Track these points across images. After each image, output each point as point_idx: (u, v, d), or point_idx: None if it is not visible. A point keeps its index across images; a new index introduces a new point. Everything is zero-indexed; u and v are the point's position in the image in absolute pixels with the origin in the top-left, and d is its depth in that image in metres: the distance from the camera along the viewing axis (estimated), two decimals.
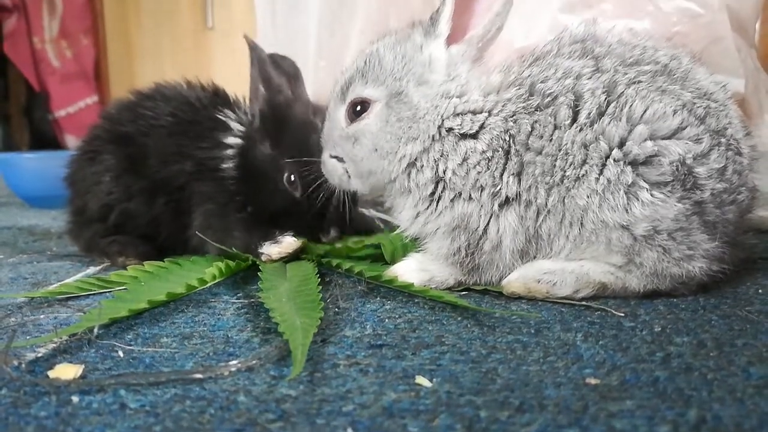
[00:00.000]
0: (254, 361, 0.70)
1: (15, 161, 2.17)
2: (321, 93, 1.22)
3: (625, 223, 0.86)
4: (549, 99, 0.90)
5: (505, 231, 0.92)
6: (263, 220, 1.17)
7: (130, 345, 0.77)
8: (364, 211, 1.45)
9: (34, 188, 2.11)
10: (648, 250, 0.87)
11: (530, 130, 0.90)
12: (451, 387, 0.64)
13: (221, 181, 1.18)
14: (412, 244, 1.03)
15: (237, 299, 0.97)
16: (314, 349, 0.74)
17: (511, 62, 0.98)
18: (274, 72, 1.20)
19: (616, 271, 0.91)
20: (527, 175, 0.91)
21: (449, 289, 0.98)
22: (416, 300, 0.94)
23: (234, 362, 0.69)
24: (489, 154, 0.92)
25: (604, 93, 0.88)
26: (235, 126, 1.22)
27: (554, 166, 0.89)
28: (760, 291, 0.95)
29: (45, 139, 4.87)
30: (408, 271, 0.98)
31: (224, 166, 1.18)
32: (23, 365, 0.71)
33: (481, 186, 0.92)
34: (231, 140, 1.20)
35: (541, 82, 0.92)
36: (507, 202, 0.92)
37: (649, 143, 0.85)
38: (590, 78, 0.89)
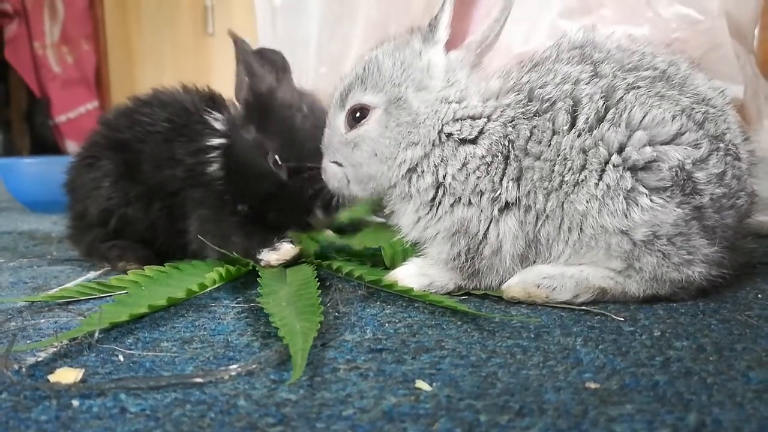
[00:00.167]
0: (254, 366, 0.70)
1: (15, 166, 2.18)
2: (321, 99, 1.22)
3: (624, 228, 0.86)
4: (547, 104, 0.90)
5: (504, 236, 0.93)
6: (256, 218, 1.17)
7: (131, 349, 0.77)
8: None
9: (34, 193, 2.12)
10: (647, 255, 0.87)
11: (529, 135, 0.91)
12: (451, 391, 0.64)
13: (209, 184, 1.17)
14: (412, 249, 1.03)
15: (237, 304, 0.97)
16: (314, 354, 0.74)
17: (510, 68, 0.99)
18: (257, 62, 1.20)
19: (615, 275, 0.91)
20: (526, 180, 0.91)
21: (449, 293, 0.98)
22: (416, 304, 0.94)
23: (234, 366, 0.69)
24: (488, 159, 0.92)
25: (602, 98, 0.88)
26: (219, 126, 1.21)
27: (552, 171, 0.90)
28: (759, 295, 0.95)
29: (45, 144, 4.89)
30: (408, 275, 0.98)
31: (210, 169, 1.18)
32: (24, 369, 0.71)
33: (481, 191, 0.92)
34: (215, 141, 1.19)
35: (540, 87, 0.92)
36: (507, 207, 0.92)
37: (648, 149, 0.85)
38: (588, 83, 0.90)
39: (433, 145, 0.95)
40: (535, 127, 0.91)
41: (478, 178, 0.92)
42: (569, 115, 0.89)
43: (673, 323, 0.83)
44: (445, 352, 0.74)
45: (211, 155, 1.19)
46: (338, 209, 1.19)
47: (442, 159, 0.94)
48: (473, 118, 0.94)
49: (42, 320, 0.89)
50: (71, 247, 1.31)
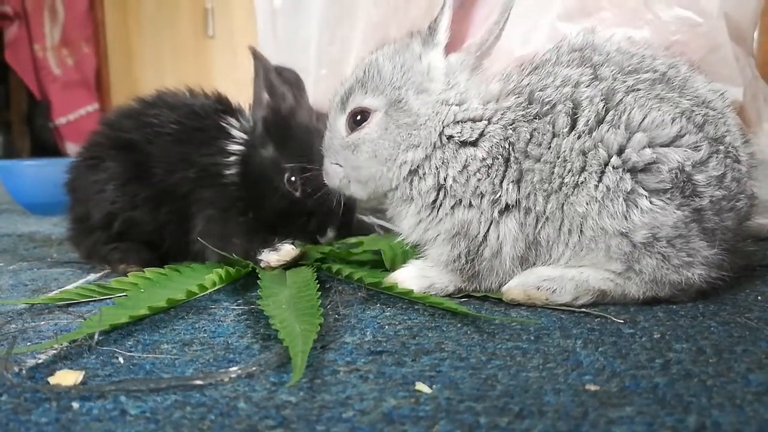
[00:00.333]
0: (254, 368, 0.70)
1: (16, 168, 2.17)
2: (322, 101, 1.22)
3: (624, 230, 0.87)
4: (548, 107, 0.91)
5: (505, 238, 0.93)
6: (264, 225, 1.17)
7: (131, 351, 0.77)
8: (364, 217, 1.45)
9: (34, 195, 2.11)
10: (647, 257, 0.87)
11: (529, 137, 0.91)
12: (451, 393, 0.64)
13: (224, 187, 1.18)
14: (412, 251, 1.03)
15: (237, 306, 0.97)
16: (314, 356, 0.74)
17: (510, 71, 0.99)
18: (278, 80, 1.21)
19: (615, 278, 0.91)
20: (526, 182, 0.91)
21: (449, 295, 0.98)
22: (416, 307, 0.94)
23: (234, 369, 0.69)
24: (489, 161, 0.92)
25: (602, 101, 0.88)
26: (238, 134, 1.23)
27: (552, 173, 0.90)
28: (759, 298, 0.95)
29: (46, 146, 4.89)
30: (408, 277, 0.99)
31: (227, 172, 1.19)
32: (24, 371, 0.71)
33: (481, 193, 0.92)
34: (234, 147, 1.21)
35: (540, 90, 0.92)
36: (507, 209, 0.92)
37: (648, 151, 0.85)
38: (588, 86, 0.90)
39: (434, 147, 0.95)
40: (535, 129, 0.91)
41: (479, 180, 0.92)
42: (569, 118, 0.89)
43: (672, 325, 0.83)
44: (445, 354, 0.74)
45: (229, 159, 1.20)
46: (350, 231, 1.21)
47: (443, 161, 0.94)
48: (474, 120, 0.94)
49: (42, 322, 0.89)
50: (72, 250, 1.31)
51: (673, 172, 0.85)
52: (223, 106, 1.27)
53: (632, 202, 0.86)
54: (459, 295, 0.99)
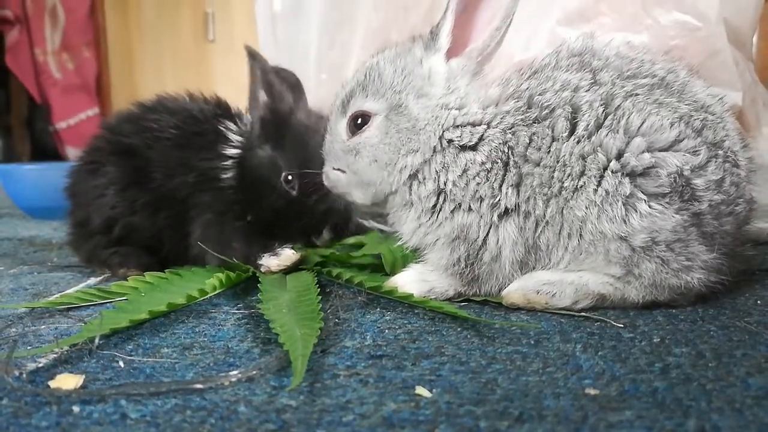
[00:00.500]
0: (254, 372, 0.70)
1: (16, 172, 2.18)
2: (322, 105, 1.22)
3: (623, 234, 0.87)
4: (547, 111, 0.91)
5: (504, 242, 0.93)
6: (262, 228, 1.17)
7: (131, 355, 0.77)
8: (364, 222, 1.45)
9: (34, 199, 2.12)
10: (646, 261, 0.88)
11: (528, 142, 0.91)
12: (451, 397, 0.64)
13: (221, 191, 1.18)
14: (412, 255, 1.03)
15: (237, 310, 0.97)
16: (314, 360, 0.74)
17: (510, 75, 0.99)
18: (276, 81, 1.21)
19: (614, 282, 0.91)
20: (526, 186, 0.91)
21: (449, 299, 0.98)
22: (416, 311, 0.94)
23: (234, 372, 0.69)
24: (488, 165, 0.92)
25: (601, 105, 0.89)
26: (235, 137, 1.23)
27: (552, 177, 0.90)
28: (758, 302, 0.96)
29: (46, 150, 4.90)
30: (408, 281, 0.99)
31: (224, 176, 1.19)
32: (24, 375, 0.71)
33: (481, 197, 0.93)
34: (231, 151, 1.21)
35: (539, 94, 0.92)
36: (506, 213, 0.92)
37: (647, 155, 0.85)
38: (588, 90, 0.90)
39: (434, 151, 0.95)
40: (534, 133, 0.91)
41: (478, 184, 0.93)
42: (568, 122, 0.89)
43: (672, 329, 0.83)
44: (444, 359, 0.75)
45: (226, 163, 1.20)
46: (346, 232, 1.21)
47: (443, 165, 0.95)
48: (473, 124, 0.94)
49: (42, 326, 0.89)
50: (72, 254, 1.31)
51: (672, 176, 0.85)
52: (221, 111, 1.27)
53: (631, 206, 0.86)
54: (459, 299, 0.99)
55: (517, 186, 0.92)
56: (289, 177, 1.16)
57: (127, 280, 1.03)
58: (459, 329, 0.85)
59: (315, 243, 1.21)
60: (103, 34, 5.10)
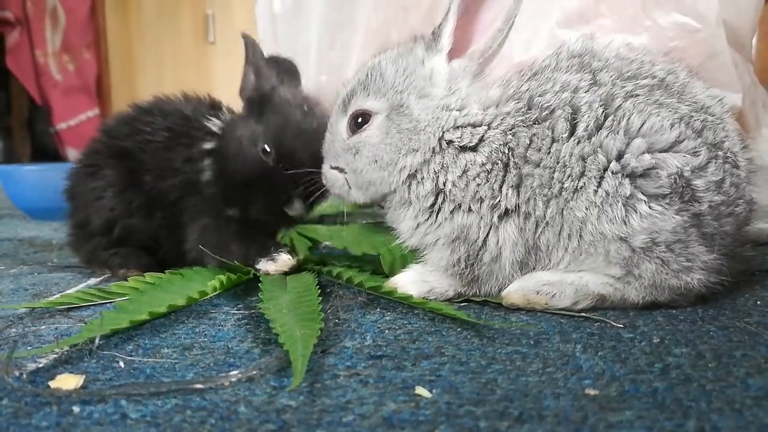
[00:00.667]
0: (254, 372, 0.70)
1: (16, 173, 2.18)
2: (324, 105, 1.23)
3: (623, 235, 0.87)
4: (547, 112, 0.91)
5: (504, 242, 0.93)
6: (247, 222, 1.16)
7: (131, 356, 0.77)
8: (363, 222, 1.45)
9: (35, 200, 2.12)
10: (646, 261, 0.88)
11: (528, 143, 0.91)
12: (451, 398, 0.64)
13: (205, 192, 1.17)
14: (412, 255, 1.03)
15: (237, 310, 0.97)
16: (314, 360, 0.74)
17: (510, 76, 0.99)
18: (266, 64, 1.21)
19: (614, 282, 0.91)
20: (526, 187, 0.91)
21: (449, 300, 0.98)
22: (416, 311, 0.94)
23: (234, 373, 0.69)
24: (488, 166, 0.93)
25: (601, 106, 0.89)
26: (215, 128, 1.21)
27: (552, 178, 0.90)
28: (758, 303, 0.96)
29: (46, 151, 4.90)
30: (408, 282, 0.99)
31: (203, 178, 1.18)
32: (24, 376, 0.71)
33: (481, 198, 0.93)
34: (208, 145, 1.19)
35: (539, 95, 0.93)
36: (506, 213, 0.93)
37: (647, 156, 0.85)
38: (588, 91, 0.90)
39: (434, 152, 0.95)
40: (534, 134, 0.91)
41: (478, 185, 0.93)
42: (568, 123, 0.90)
43: (672, 330, 0.83)
44: (444, 359, 0.75)
45: (204, 162, 1.19)
46: (318, 201, 1.17)
47: (443, 166, 0.95)
48: (473, 125, 0.94)
49: (43, 327, 0.89)
50: (72, 254, 1.31)
51: (672, 177, 0.85)
52: (214, 109, 1.26)
53: (631, 207, 0.86)
54: (458, 300, 0.99)
55: (518, 187, 0.92)
56: (267, 148, 1.14)
57: (127, 281, 1.03)
58: (459, 330, 0.85)
59: (289, 216, 1.19)
60: (103, 36, 5.11)
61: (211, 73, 4.85)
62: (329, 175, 1.03)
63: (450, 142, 0.95)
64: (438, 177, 0.95)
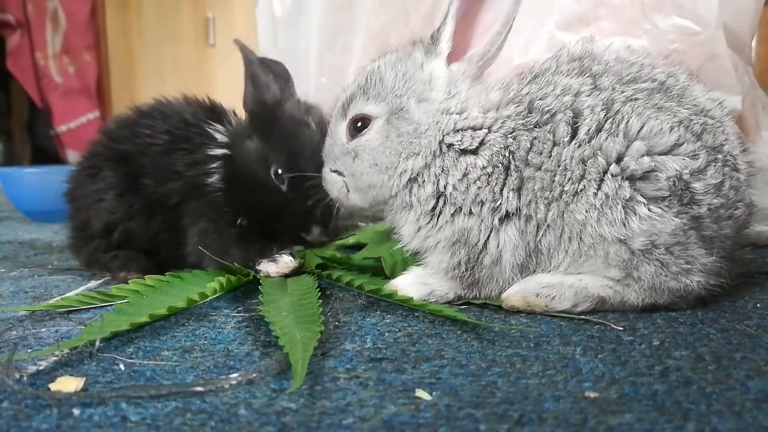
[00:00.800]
0: (255, 375, 0.70)
1: (16, 176, 2.18)
2: (323, 109, 1.23)
3: (623, 238, 0.87)
4: (548, 116, 0.91)
5: (505, 245, 0.93)
6: (255, 230, 1.17)
7: (131, 358, 0.77)
8: (362, 224, 1.45)
9: (35, 203, 2.12)
10: (646, 264, 0.88)
11: (529, 146, 0.91)
12: (451, 400, 0.64)
13: (209, 195, 1.18)
14: (412, 258, 1.03)
15: (237, 313, 0.97)
16: (314, 363, 0.74)
17: (510, 79, 0.99)
18: (261, 71, 1.21)
19: (614, 285, 0.91)
20: (527, 190, 0.92)
21: (449, 303, 0.98)
22: (416, 314, 0.94)
23: (234, 375, 0.69)
24: (489, 169, 0.93)
25: (603, 110, 0.89)
26: (221, 137, 1.22)
27: (553, 181, 0.90)
28: (758, 305, 0.96)
29: (46, 153, 4.90)
30: (408, 285, 0.99)
31: (210, 180, 1.18)
32: (25, 378, 0.71)
33: (482, 201, 0.93)
34: (217, 152, 1.20)
35: (540, 99, 0.93)
36: (507, 216, 0.93)
37: (647, 159, 0.86)
38: (589, 95, 0.90)
39: (434, 155, 0.96)
40: (535, 138, 0.91)
41: (479, 188, 0.93)
42: (570, 127, 0.90)
43: (672, 332, 0.84)
44: (444, 362, 0.75)
45: (211, 166, 1.19)
46: (336, 228, 1.19)
47: (443, 169, 0.95)
48: (474, 128, 0.95)
49: (43, 329, 0.89)
50: (72, 257, 1.31)
51: (672, 180, 0.85)
52: (214, 113, 1.27)
53: (631, 210, 0.86)
54: (459, 303, 0.99)
55: (518, 190, 0.92)
56: (279, 171, 1.14)
57: (127, 283, 1.03)
58: (459, 332, 0.86)
59: (306, 240, 1.19)
60: (103, 38, 5.11)
61: (211, 75, 4.86)
62: (329, 178, 1.04)
63: (450, 146, 0.95)
64: (439, 180, 0.95)
